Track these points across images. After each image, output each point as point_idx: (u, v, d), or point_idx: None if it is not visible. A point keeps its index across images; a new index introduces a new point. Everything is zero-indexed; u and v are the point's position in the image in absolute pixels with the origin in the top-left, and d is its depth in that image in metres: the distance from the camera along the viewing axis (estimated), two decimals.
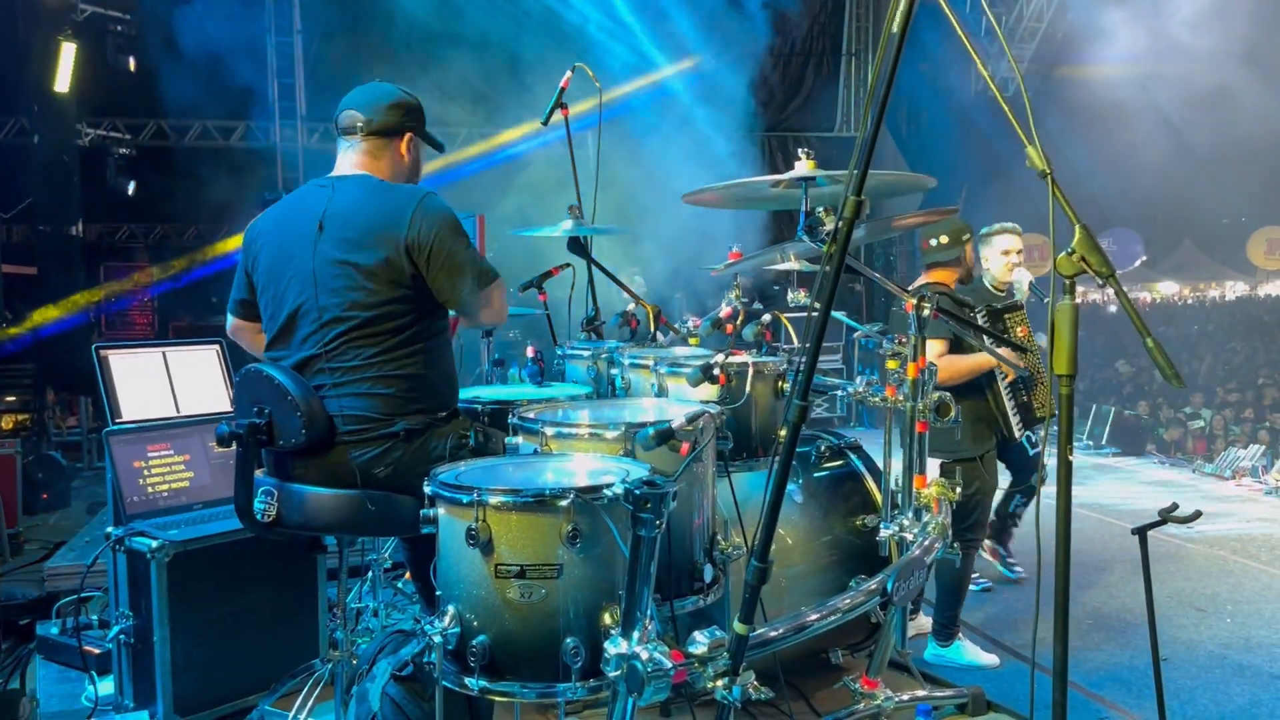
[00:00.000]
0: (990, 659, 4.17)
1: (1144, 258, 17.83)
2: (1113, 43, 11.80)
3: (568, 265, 4.26)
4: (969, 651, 4.21)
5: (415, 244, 2.56)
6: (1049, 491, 2.04)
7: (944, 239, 4.33)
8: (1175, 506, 2.76)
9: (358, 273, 2.56)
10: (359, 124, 2.74)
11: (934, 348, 3.97)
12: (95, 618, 4.08)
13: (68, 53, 9.01)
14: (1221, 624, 4.70)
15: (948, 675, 3.96)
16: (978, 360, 4.09)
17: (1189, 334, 15.35)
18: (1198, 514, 2.82)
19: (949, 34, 2.11)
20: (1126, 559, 5.62)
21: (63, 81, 9.08)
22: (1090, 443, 10.10)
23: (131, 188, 10.39)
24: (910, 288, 4.12)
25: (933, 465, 3.98)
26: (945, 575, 4.13)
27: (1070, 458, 2.02)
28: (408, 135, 2.79)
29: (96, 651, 3.75)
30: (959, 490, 3.98)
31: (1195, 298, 22.19)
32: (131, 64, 9.98)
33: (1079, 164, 11.58)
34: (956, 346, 4.11)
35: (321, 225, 2.61)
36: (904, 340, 3.03)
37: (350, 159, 2.76)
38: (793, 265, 3.39)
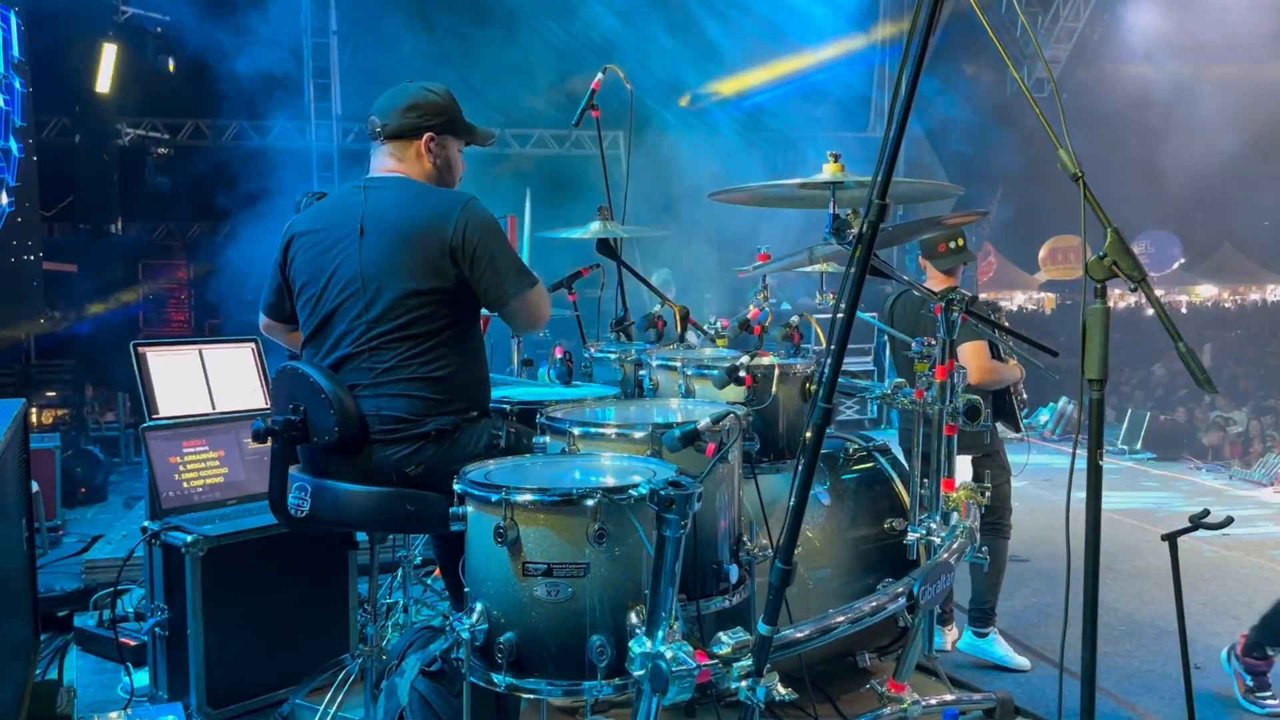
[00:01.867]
0: (1021, 661, 4.15)
1: (1182, 260, 17.58)
2: (1150, 43, 11.65)
3: (597, 266, 4.29)
4: (1002, 648, 4.22)
5: (460, 247, 2.60)
6: (1079, 496, 2.02)
7: (959, 240, 4.26)
8: (1206, 513, 2.73)
9: (400, 276, 2.60)
10: (377, 129, 2.78)
11: (981, 350, 4.06)
12: (131, 610, 4.16)
13: (109, 54, 9.18)
14: None
15: (976, 676, 3.94)
16: (1015, 367, 4.19)
17: (1228, 338, 15.12)
18: (1229, 520, 2.78)
19: (984, 33, 2.11)
20: (1161, 565, 5.56)
21: (104, 82, 9.25)
22: (1125, 447, 9.97)
23: (169, 186, 10.55)
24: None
25: (964, 462, 4.10)
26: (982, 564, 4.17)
27: (1100, 462, 2.01)
28: (426, 136, 2.79)
29: (132, 644, 3.83)
30: (986, 483, 4.08)
31: (1235, 301, 21.84)
32: (171, 65, 10.14)
33: (1116, 165, 11.44)
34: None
35: (362, 229, 2.65)
36: (932, 342, 3.01)
37: (380, 162, 2.81)
38: (821, 267, 3.39)
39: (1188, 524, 2.74)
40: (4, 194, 6.70)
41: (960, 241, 4.29)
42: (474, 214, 2.65)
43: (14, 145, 6.98)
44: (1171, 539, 2.72)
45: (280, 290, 2.88)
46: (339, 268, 2.67)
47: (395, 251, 2.62)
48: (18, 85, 7.04)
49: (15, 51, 6.97)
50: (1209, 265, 20.16)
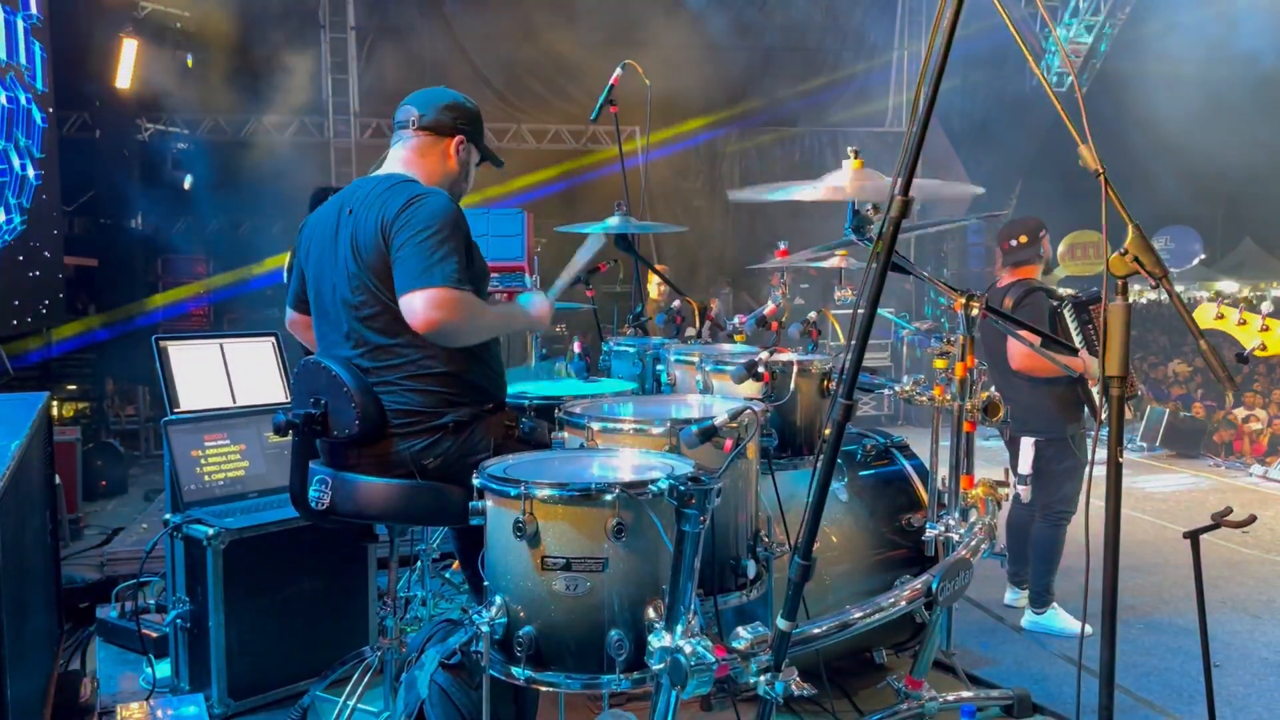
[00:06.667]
0: (1078, 626, 4.15)
1: (1202, 256, 17.42)
2: (1173, 35, 11.55)
3: (615, 261, 4.29)
4: (1062, 619, 4.44)
5: (389, 228, 2.53)
6: (1099, 493, 2.02)
7: (1023, 238, 4.53)
8: (1229, 510, 2.71)
9: (366, 272, 2.58)
10: (412, 118, 2.78)
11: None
12: (153, 602, 4.20)
13: (129, 50, 9.24)
14: (1277, 631, 4.61)
15: (995, 672, 3.93)
16: (1072, 360, 4.29)
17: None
18: (1252, 518, 2.76)
19: (1004, 26, 2.10)
20: (1181, 563, 5.52)
21: (124, 78, 9.31)
22: (1144, 444, 9.90)
23: (188, 181, 10.61)
24: (1000, 284, 4.55)
25: (1028, 444, 4.41)
26: (1040, 544, 4.49)
27: (1120, 459, 2.00)
28: (458, 138, 2.81)
29: (154, 635, 3.86)
30: (1050, 467, 4.41)
31: (1256, 297, 21.62)
32: (190, 60, 10.20)
33: (1138, 159, 11.35)
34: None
35: (337, 228, 2.66)
36: (952, 340, 3.01)
37: (398, 155, 2.79)
38: (841, 263, 3.39)
39: (1210, 522, 2.72)
40: (31, 167, 6.74)
41: (1023, 239, 4.56)
42: (422, 202, 2.55)
43: (37, 115, 7.00)
44: (1193, 537, 2.70)
45: (300, 283, 2.90)
46: (333, 267, 2.68)
47: (362, 250, 2.59)
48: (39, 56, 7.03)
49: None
50: (1229, 261, 19.97)
